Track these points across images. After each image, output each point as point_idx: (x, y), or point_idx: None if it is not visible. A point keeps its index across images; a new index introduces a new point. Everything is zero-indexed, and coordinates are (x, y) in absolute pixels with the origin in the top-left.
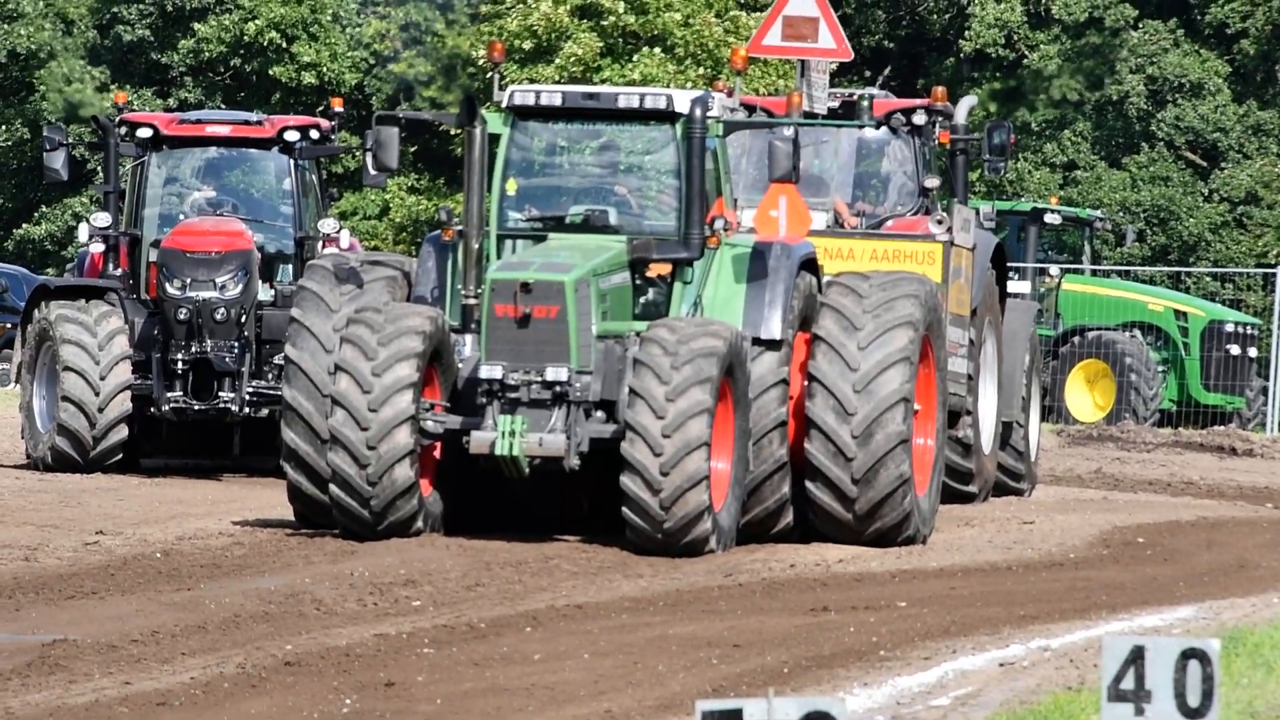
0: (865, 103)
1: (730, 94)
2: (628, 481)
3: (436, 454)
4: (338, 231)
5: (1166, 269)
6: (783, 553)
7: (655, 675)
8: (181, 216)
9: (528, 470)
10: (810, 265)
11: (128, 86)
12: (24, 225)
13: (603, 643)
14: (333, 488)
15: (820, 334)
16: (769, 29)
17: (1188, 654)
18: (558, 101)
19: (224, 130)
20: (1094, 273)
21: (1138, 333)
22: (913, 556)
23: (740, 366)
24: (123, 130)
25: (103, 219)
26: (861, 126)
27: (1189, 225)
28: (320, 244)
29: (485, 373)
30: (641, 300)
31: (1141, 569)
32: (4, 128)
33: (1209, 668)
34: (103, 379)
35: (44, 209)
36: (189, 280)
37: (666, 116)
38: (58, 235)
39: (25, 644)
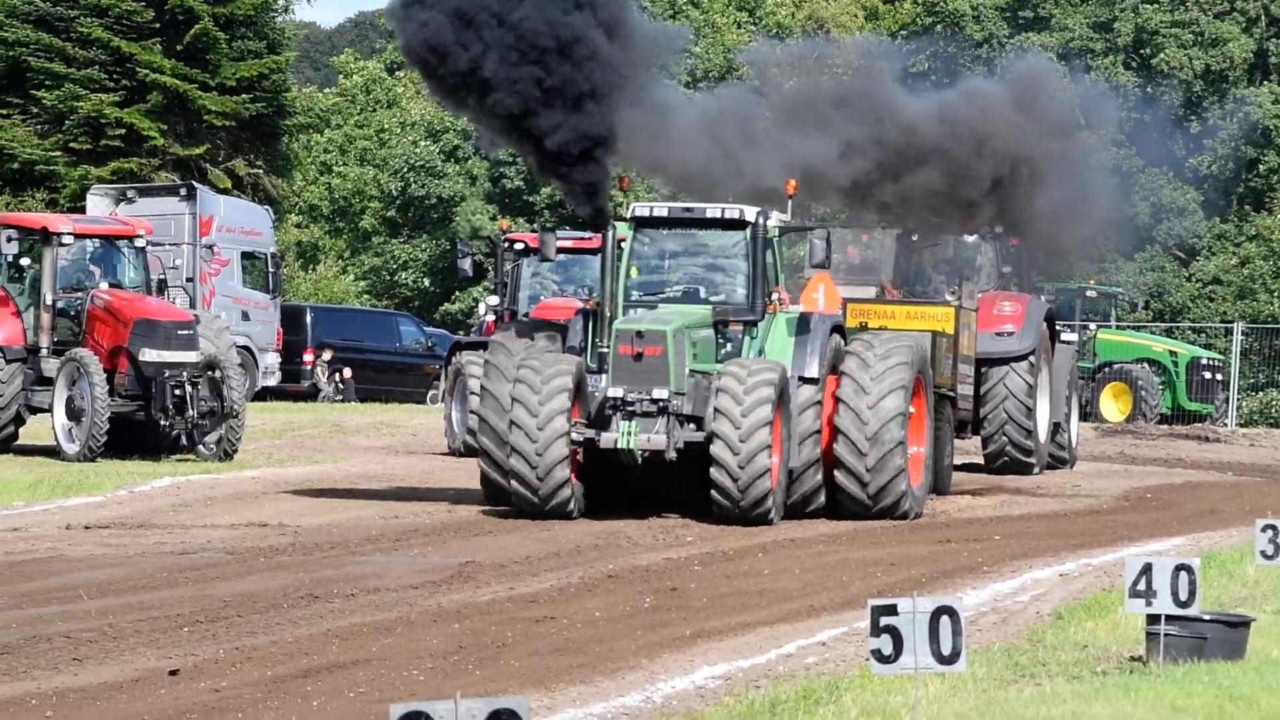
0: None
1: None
2: (714, 474)
3: (579, 457)
4: None
5: (1163, 325)
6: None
7: (840, 583)
8: (542, 297)
9: (639, 460)
10: (839, 329)
11: (508, 216)
12: (444, 304)
13: (807, 563)
14: (512, 482)
15: (844, 370)
16: None
17: (1179, 568)
18: (664, 214)
19: (566, 243)
20: (1117, 327)
21: (1146, 365)
22: (1004, 507)
23: (789, 392)
24: (505, 244)
25: (494, 300)
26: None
27: (1176, 298)
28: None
29: (611, 393)
30: (721, 351)
31: (1149, 514)
32: (436, 244)
33: (1193, 576)
34: None
35: (457, 294)
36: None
37: (740, 224)
38: (464, 311)
39: (447, 564)
